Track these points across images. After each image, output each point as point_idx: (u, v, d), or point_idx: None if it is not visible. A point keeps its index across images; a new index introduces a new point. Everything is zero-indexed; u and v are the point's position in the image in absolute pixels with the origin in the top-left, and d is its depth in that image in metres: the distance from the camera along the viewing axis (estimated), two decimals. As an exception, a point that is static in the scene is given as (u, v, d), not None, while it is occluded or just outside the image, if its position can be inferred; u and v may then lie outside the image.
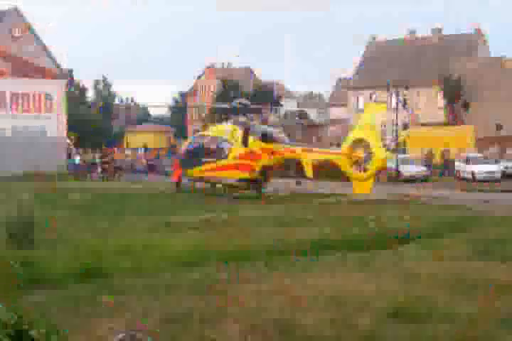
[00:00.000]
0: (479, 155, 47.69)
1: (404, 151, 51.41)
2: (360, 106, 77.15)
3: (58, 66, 53.28)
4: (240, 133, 31.64)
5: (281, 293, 10.40)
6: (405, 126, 71.66)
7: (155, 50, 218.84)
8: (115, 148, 56.92)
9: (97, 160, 48.94)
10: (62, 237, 15.76)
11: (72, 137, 54.20)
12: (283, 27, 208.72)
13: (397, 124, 58.23)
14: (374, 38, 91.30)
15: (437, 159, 49.51)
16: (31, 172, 43.43)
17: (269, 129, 33.45)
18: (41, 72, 48.33)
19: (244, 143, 31.35)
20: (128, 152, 54.29)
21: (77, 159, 50.67)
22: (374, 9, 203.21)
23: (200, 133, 38.67)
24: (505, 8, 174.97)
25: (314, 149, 31.16)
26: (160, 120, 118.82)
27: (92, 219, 20.43)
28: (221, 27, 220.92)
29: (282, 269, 12.49)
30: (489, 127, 66.91)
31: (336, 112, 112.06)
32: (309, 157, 29.92)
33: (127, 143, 61.34)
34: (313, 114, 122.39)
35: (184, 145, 36.21)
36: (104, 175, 47.56)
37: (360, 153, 28.47)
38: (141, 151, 62.62)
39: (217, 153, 32.56)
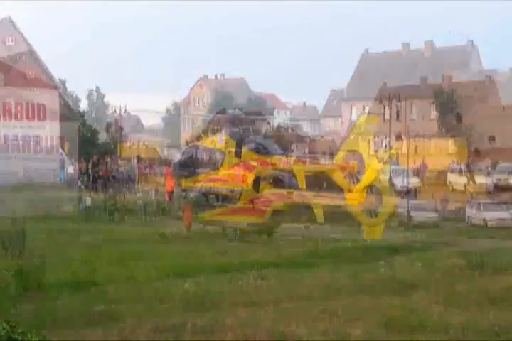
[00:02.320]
0: (491, 201, 45.84)
1: (396, 163, 51.28)
2: (354, 117, 77.22)
3: (51, 76, 53.18)
4: (233, 144, 31.56)
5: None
6: (398, 138, 71.72)
7: (150, 61, 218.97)
8: (108, 159, 56.66)
9: (89, 171, 48.75)
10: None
11: (66, 147, 53.97)
12: (276, 38, 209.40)
13: (390, 136, 58.26)
14: (367, 51, 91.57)
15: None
16: (24, 182, 43.22)
17: (263, 140, 33.35)
18: (34, 82, 48.25)
19: (237, 154, 31.26)
20: (121, 163, 53.99)
21: (71, 169, 50.43)
22: (368, 22, 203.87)
23: (193, 143, 38.62)
24: (497, 18, 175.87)
25: (307, 161, 31.03)
26: (153, 131, 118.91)
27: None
28: (217, 39, 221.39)
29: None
30: (481, 139, 67.08)
31: (329, 123, 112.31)
32: (302, 168, 29.79)
33: (120, 153, 60.98)
34: (306, 125, 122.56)
35: (178, 156, 36.11)
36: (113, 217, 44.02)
37: (354, 165, 28.36)
38: (134, 162, 62.39)
39: (211, 165, 32.49)
